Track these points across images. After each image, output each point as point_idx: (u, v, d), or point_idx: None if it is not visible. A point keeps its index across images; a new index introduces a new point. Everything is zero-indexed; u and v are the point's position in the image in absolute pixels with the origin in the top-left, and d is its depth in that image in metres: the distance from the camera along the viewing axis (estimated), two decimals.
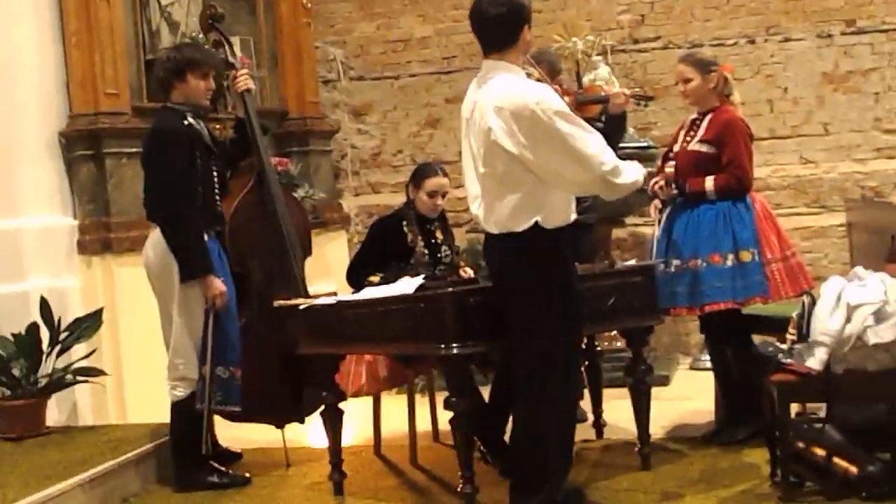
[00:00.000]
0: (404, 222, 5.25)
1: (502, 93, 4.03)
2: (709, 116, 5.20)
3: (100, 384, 5.78)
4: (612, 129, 5.29)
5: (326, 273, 6.99)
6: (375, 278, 5.04)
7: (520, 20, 4.09)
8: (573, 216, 4.19)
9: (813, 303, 4.38)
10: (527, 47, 4.23)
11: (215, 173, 5.06)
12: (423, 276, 4.62)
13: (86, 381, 5.67)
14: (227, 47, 5.63)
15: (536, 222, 4.02)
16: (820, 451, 4.28)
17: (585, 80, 6.88)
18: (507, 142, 3.98)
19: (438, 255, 5.26)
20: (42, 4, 6.05)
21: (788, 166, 7.94)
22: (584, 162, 3.99)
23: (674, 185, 5.21)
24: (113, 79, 6.16)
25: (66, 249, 6.02)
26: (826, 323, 4.22)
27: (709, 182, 5.08)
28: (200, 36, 6.22)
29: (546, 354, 4.07)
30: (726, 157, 5.08)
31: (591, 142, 4.02)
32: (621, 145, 6.87)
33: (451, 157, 7.80)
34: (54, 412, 5.69)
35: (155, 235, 4.92)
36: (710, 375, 5.46)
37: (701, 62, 5.24)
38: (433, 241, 5.28)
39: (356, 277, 5.20)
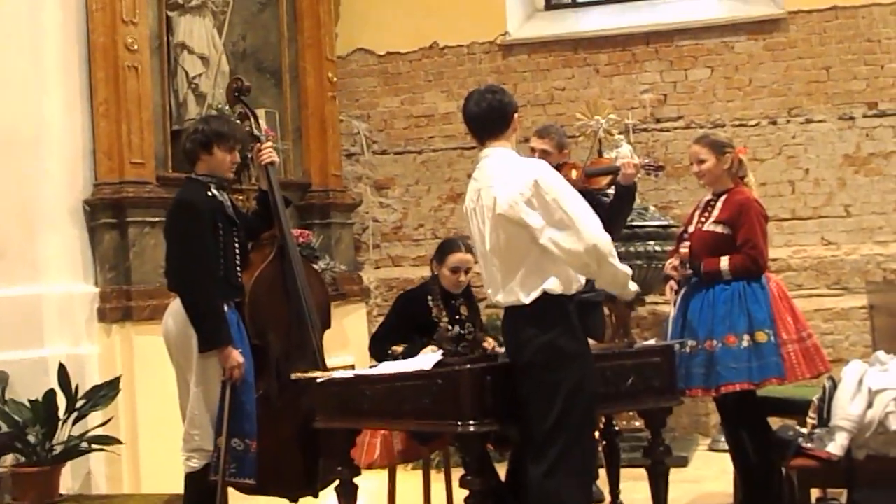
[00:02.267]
0: (429, 297, 5.25)
1: (503, 168, 4.18)
2: (723, 197, 5.21)
3: (115, 453, 5.76)
4: (623, 199, 5.30)
5: (345, 345, 6.99)
6: (399, 348, 5.03)
7: (507, 108, 4.29)
8: (580, 283, 4.22)
9: (834, 386, 4.35)
10: (517, 133, 4.37)
11: (237, 245, 5.07)
12: (441, 351, 4.61)
13: (101, 450, 5.66)
14: (252, 120, 5.68)
15: (544, 291, 4.09)
16: None
17: (606, 157, 6.90)
18: (510, 211, 4.09)
19: (462, 332, 5.24)
20: (72, 73, 6.15)
21: (810, 247, 7.93)
22: (577, 231, 4.06)
23: (688, 266, 5.20)
24: (139, 148, 6.23)
25: (87, 317, 6.04)
26: (847, 408, 4.19)
27: (724, 262, 5.07)
28: (226, 108, 6.30)
29: (562, 424, 4.06)
30: (741, 238, 5.07)
31: (588, 214, 4.12)
32: (643, 223, 6.94)
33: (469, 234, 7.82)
34: (68, 480, 5.67)
35: (175, 305, 4.93)
36: (729, 457, 5.40)
37: (716, 143, 5.26)
38: (458, 316, 5.27)
39: (379, 349, 5.18)
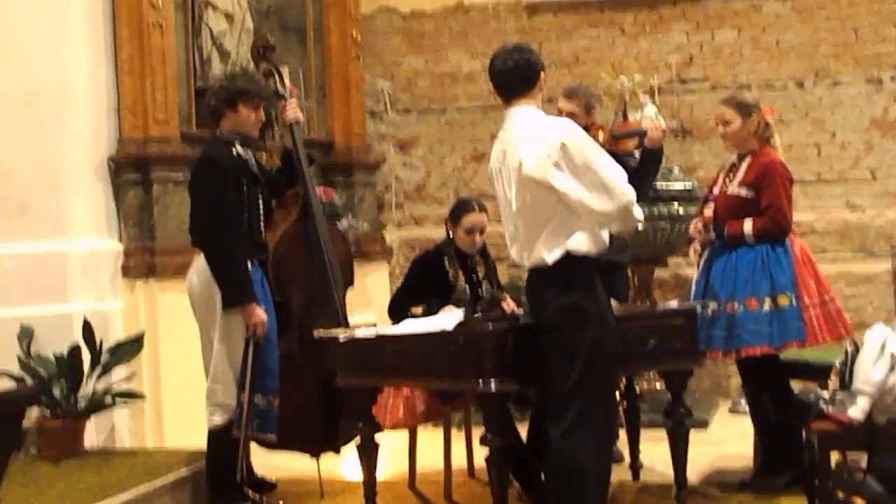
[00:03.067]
0: (445, 258, 5.26)
1: (529, 128, 4.17)
2: (748, 159, 5.17)
3: (138, 407, 5.82)
4: (649, 163, 5.28)
5: (367, 304, 7.01)
6: (418, 310, 5.04)
7: (534, 67, 4.27)
8: (604, 246, 4.22)
9: (856, 350, 4.33)
10: (543, 93, 4.35)
11: (261, 202, 5.09)
12: (462, 310, 4.62)
13: (125, 404, 5.72)
14: (276, 77, 5.68)
15: (567, 252, 4.09)
16: (860, 502, 4.23)
17: (631, 118, 6.87)
18: (536, 172, 4.07)
19: (479, 291, 5.26)
20: (96, 30, 6.15)
21: (835, 211, 7.89)
22: (609, 191, 4.08)
23: (712, 229, 5.18)
24: (163, 105, 6.24)
25: (111, 273, 6.08)
26: (869, 372, 4.18)
27: (747, 225, 5.04)
28: (251, 65, 6.29)
29: (582, 384, 4.07)
30: (765, 201, 5.04)
31: (618, 173, 4.14)
32: (667, 185, 6.91)
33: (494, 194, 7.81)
34: (92, 434, 5.73)
35: (199, 262, 4.96)
36: (749, 420, 5.40)
37: (742, 104, 5.21)
38: (474, 276, 5.29)
39: (398, 311, 5.20)
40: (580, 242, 4.11)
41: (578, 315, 4.09)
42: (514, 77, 4.25)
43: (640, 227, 4.34)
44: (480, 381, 4.17)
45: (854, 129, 7.88)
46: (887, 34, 7.80)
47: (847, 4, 7.87)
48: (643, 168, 5.17)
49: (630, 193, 4.14)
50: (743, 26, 8.09)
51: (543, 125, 4.18)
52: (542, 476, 4.53)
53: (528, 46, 4.39)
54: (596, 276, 4.18)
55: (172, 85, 6.33)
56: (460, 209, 5.30)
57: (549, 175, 4.05)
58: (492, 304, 5.20)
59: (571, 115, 5.31)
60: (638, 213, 4.24)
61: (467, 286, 5.21)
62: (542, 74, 4.30)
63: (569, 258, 4.10)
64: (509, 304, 5.30)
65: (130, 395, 5.67)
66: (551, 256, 4.11)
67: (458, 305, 4.98)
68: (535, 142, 4.10)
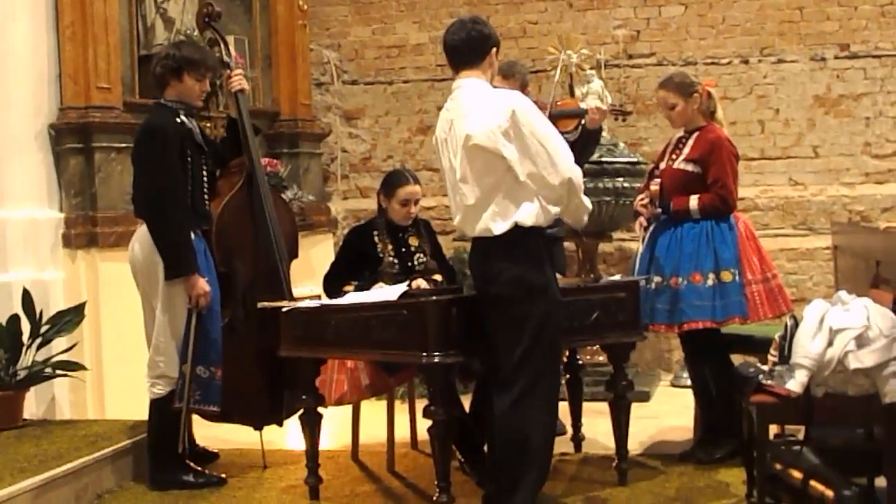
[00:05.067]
0: (375, 232, 5.21)
1: (479, 98, 4.17)
2: (695, 135, 5.21)
3: (79, 378, 5.77)
4: (587, 142, 5.30)
5: (312, 275, 6.96)
6: (350, 288, 5.00)
7: (487, 40, 4.27)
8: (551, 219, 4.24)
9: (796, 325, 4.38)
10: (494, 68, 4.37)
11: (205, 172, 5.05)
12: (406, 283, 4.61)
13: (65, 375, 5.66)
14: (222, 46, 5.62)
15: (515, 223, 4.10)
16: (797, 474, 4.28)
17: (578, 92, 6.88)
18: (486, 141, 4.07)
19: (410, 264, 5.20)
20: None
21: (777, 187, 7.97)
22: (555, 163, 4.10)
23: (657, 204, 5.21)
24: (105, 73, 6.15)
25: (51, 242, 6.00)
26: (808, 346, 4.22)
27: (693, 201, 5.09)
28: (196, 33, 6.21)
29: (530, 357, 4.10)
30: (711, 177, 5.09)
31: (563, 148, 4.17)
32: (612, 159, 6.94)
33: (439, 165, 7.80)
34: (32, 405, 5.67)
35: (142, 231, 4.91)
36: (691, 393, 5.47)
37: (682, 85, 5.24)
38: (405, 249, 5.23)
39: (331, 287, 5.16)
40: (528, 214, 4.12)
41: (527, 288, 4.11)
42: (466, 48, 4.25)
43: (586, 218, 4.37)
44: (424, 353, 4.18)
45: (798, 107, 7.96)
46: (831, 13, 7.88)
47: None
48: (581, 146, 5.17)
49: (574, 170, 4.17)
50: (689, 2, 8.12)
51: (493, 96, 4.19)
52: (486, 448, 4.56)
53: (484, 20, 4.38)
54: (543, 248, 4.21)
55: (115, 52, 6.23)
56: (394, 181, 5.23)
57: (498, 143, 4.06)
58: (427, 272, 5.16)
59: None
60: (586, 199, 4.28)
61: (396, 260, 5.16)
62: (495, 50, 4.29)
63: (517, 230, 4.11)
64: (439, 278, 5.25)
65: (71, 366, 5.61)
66: (498, 227, 4.12)
67: (384, 279, 4.96)
68: (484, 111, 4.10)
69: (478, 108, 4.14)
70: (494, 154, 4.08)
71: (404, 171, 5.37)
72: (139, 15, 6.63)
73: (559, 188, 4.14)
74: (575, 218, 4.37)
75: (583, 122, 5.32)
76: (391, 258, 5.13)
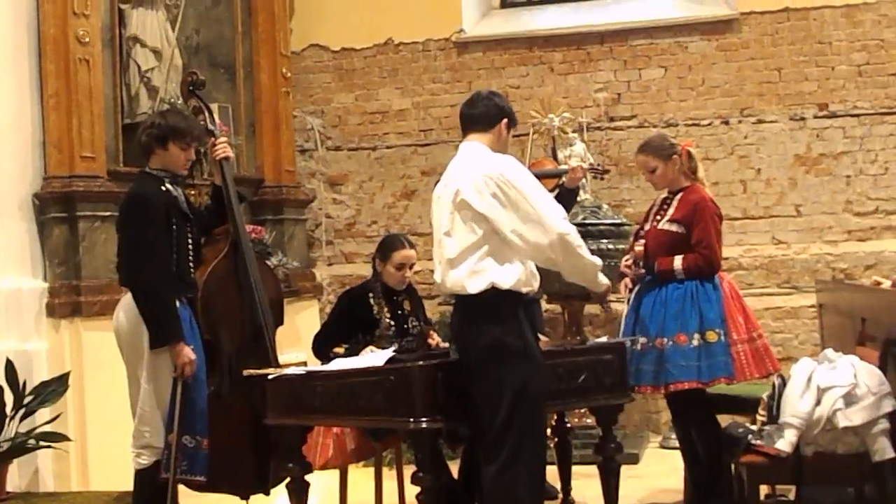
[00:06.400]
0: (371, 294, 5.23)
1: (473, 159, 4.24)
2: (679, 196, 5.24)
3: (63, 450, 5.70)
4: (565, 201, 5.34)
5: (297, 342, 6.95)
6: (341, 349, 5.00)
7: (499, 110, 4.37)
8: (531, 286, 4.25)
9: (783, 384, 4.39)
10: (504, 142, 4.40)
11: (190, 240, 5.03)
12: (393, 348, 4.60)
13: (49, 447, 5.60)
14: (206, 114, 5.63)
15: (492, 284, 4.10)
16: None
17: (561, 156, 6.94)
18: (474, 200, 4.12)
19: (406, 327, 5.22)
20: (21, 64, 6.07)
21: (760, 246, 8.01)
22: (545, 222, 4.12)
23: (641, 265, 5.22)
24: (90, 142, 6.16)
25: (35, 312, 5.97)
26: (796, 405, 4.23)
27: (677, 261, 5.10)
28: (180, 102, 6.24)
29: (512, 422, 4.08)
30: (695, 237, 5.11)
31: (553, 208, 4.20)
32: (596, 221, 6.98)
33: (425, 229, 7.84)
34: (15, 477, 5.61)
35: (126, 300, 4.88)
36: (679, 454, 5.44)
37: (660, 148, 5.27)
38: (400, 312, 5.26)
39: (322, 349, 5.17)
40: (508, 277, 4.13)
41: (503, 352, 4.10)
42: (476, 115, 4.36)
43: (602, 281, 4.38)
44: (411, 418, 4.15)
45: (779, 166, 8.02)
46: (809, 73, 7.97)
47: (770, 44, 8.03)
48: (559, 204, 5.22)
49: (566, 227, 4.17)
50: (669, 65, 8.21)
51: (487, 157, 4.24)
52: None
53: (501, 95, 4.49)
54: (520, 311, 4.19)
55: (99, 121, 6.25)
56: (389, 245, 5.29)
57: (486, 204, 4.10)
58: (420, 339, 5.18)
59: None
60: (590, 256, 4.26)
61: (393, 323, 5.18)
62: (505, 122, 4.36)
63: (493, 291, 4.12)
64: (435, 339, 5.28)
65: (55, 438, 5.55)
66: (474, 286, 4.12)
67: (381, 342, 4.95)
68: (476, 171, 4.16)
69: (471, 166, 4.20)
70: (481, 213, 4.12)
71: (400, 236, 5.42)
72: (123, 84, 6.66)
73: (548, 249, 4.14)
74: (583, 279, 4.35)
75: (562, 181, 5.37)
76: (388, 321, 5.14)
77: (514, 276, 4.14)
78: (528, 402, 4.11)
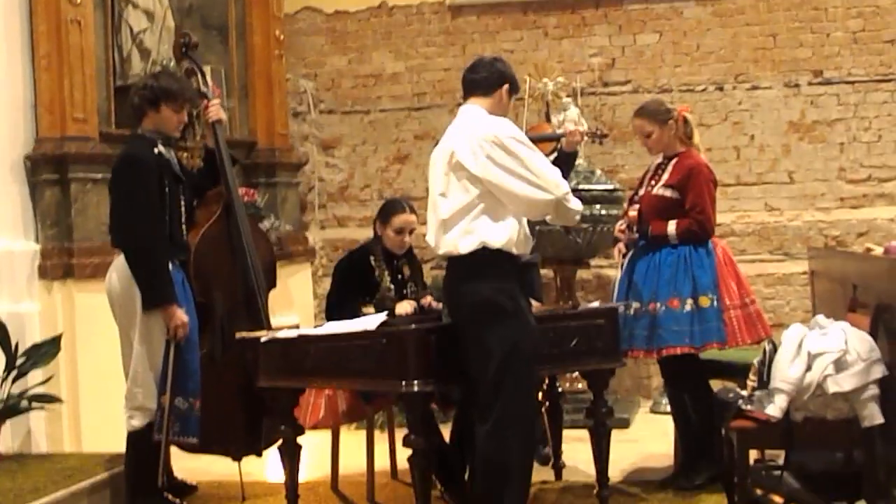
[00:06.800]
0: (372, 257, 5.24)
1: (469, 121, 4.28)
2: (673, 161, 5.24)
3: (55, 411, 5.71)
4: (563, 164, 5.33)
5: (290, 305, 6.96)
6: (369, 308, 4.98)
7: (500, 76, 4.39)
8: (524, 247, 4.28)
9: (774, 350, 4.40)
10: (504, 107, 4.42)
11: (182, 203, 5.03)
12: (386, 312, 4.61)
13: (41, 408, 5.60)
14: (199, 76, 5.62)
15: (483, 244, 4.13)
16: (777, 498, 4.30)
17: (554, 120, 6.91)
18: (469, 161, 4.15)
19: (404, 292, 5.25)
20: (12, 26, 6.01)
21: (753, 213, 8.01)
22: (542, 184, 4.16)
23: (636, 229, 5.23)
24: (81, 103, 6.12)
25: (27, 274, 5.95)
26: (786, 370, 4.24)
27: (671, 226, 5.11)
28: (172, 63, 6.20)
29: (501, 384, 4.10)
30: (689, 203, 5.11)
31: (549, 169, 4.24)
32: (589, 187, 6.97)
33: (418, 194, 7.83)
34: (7, 438, 5.61)
35: (119, 262, 4.88)
36: (670, 419, 5.47)
37: (656, 112, 5.27)
38: (400, 277, 5.28)
39: (341, 313, 5.04)
40: (499, 236, 4.16)
41: (493, 311, 4.13)
42: (478, 79, 4.39)
43: (578, 217, 4.41)
44: (403, 381, 4.17)
45: (772, 133, 8.01)
46: (804, 39, 7.95)
47: (765, 10, 8.00)
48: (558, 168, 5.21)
49: (562, 186, 4.21)
50: (664, 30, 8.17)
51: (483, 120, 4.27)
52: (467, 475, 4.55)
53: (504, 60, 4.51)
54: (512, 272, 4.22)
55: (91, 83, 6.20)
56: (390, 209, 5.29)
57: (480, 166, 4.13)
58: (416, 302, 5.19)
59: None
60: (575, 203, 4.31)
61: (392, 286, 5.20)
62: (506, 88, 4.39)
63: (484, 251, 4.15)
64: (428, 299, 5.28)
65: (47, 399, 5.56)
66: (465, 245, 4.16)
67: (380, 305, 4.96)
68: (472, 134, 4.19)
69: (468, 129, 4.22)
70: (475, 175, 4.14)
71: (401, 200, 5.43)
72: (115, 45, 6.61)
73: (545, 206, 4.20)
74: (566, 221, 4.45)
75: (559, 145, 5.35)
76: (388, 284, 5.16)
77: (506, 235, 4.17)
78: (519, 362, 4.13)
